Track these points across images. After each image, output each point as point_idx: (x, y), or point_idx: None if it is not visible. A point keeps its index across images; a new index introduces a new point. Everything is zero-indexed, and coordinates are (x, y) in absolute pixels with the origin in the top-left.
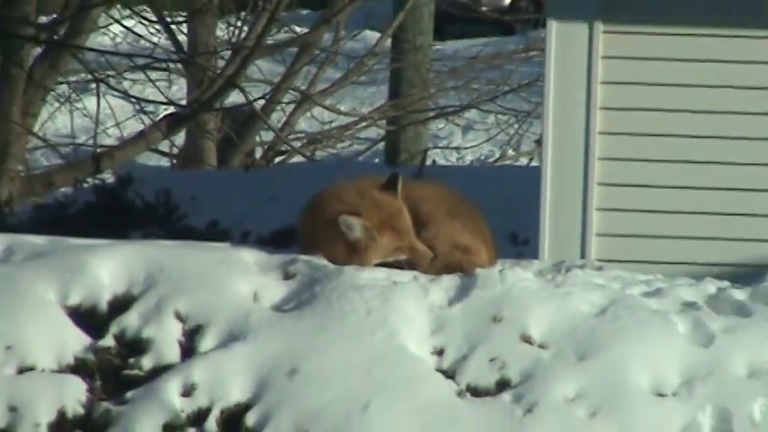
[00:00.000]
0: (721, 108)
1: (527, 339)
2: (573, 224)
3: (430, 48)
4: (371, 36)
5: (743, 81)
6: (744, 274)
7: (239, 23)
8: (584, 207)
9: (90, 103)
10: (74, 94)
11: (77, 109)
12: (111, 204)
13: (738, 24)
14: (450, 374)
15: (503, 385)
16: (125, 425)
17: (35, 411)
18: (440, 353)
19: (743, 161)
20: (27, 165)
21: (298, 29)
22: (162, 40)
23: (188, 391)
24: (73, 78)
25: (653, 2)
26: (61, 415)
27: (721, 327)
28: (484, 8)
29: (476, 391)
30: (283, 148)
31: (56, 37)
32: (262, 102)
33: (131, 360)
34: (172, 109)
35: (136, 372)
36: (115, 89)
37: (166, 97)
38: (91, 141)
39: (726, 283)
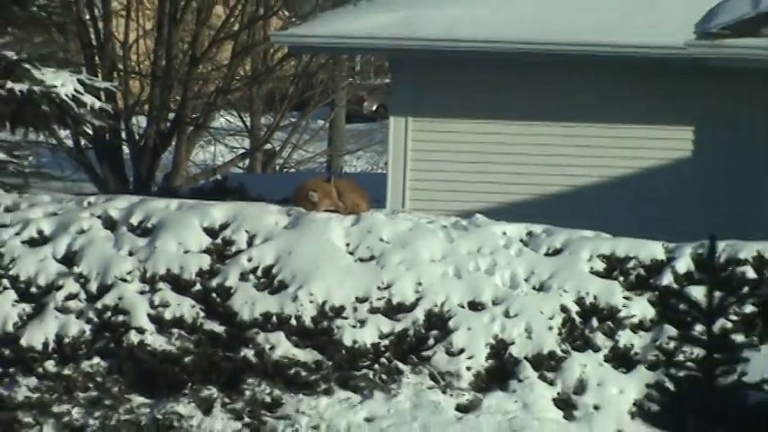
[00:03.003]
0: (471, 150)
1: (381, 239)
2: (399, 195)
3: (344, 127)
4: (321, 122)
5: (489, 139)
6: (467, 215)
7: (271, 117)
8: (404, 188)
9: (211, 147)
10: (205, 144)
11: (206, 150)
12: (219, 188)
13: (483, 117)
14: (351, 253)
15: (372, 257)
16: (225, 273)
17: (190, 267)
18: (347, 245)
19: (478, 170)
20: (187, 172)
21: (292, 119)
22: (239, 122)
23: (250, 259)
24: (205, 138)
25: (435, 108)
26: (200, 268)
27: (456, 235)
28: (365, 111)
29: (361, 260)
30: (287, 166)
31: (198, 122)
32: (278, 147)
33: (228, 248)
34: (243, 150)
35: (229, 252)
36: (220, 142)
37: (241, 146)
38: (211, 163)
39: (458, 218)
